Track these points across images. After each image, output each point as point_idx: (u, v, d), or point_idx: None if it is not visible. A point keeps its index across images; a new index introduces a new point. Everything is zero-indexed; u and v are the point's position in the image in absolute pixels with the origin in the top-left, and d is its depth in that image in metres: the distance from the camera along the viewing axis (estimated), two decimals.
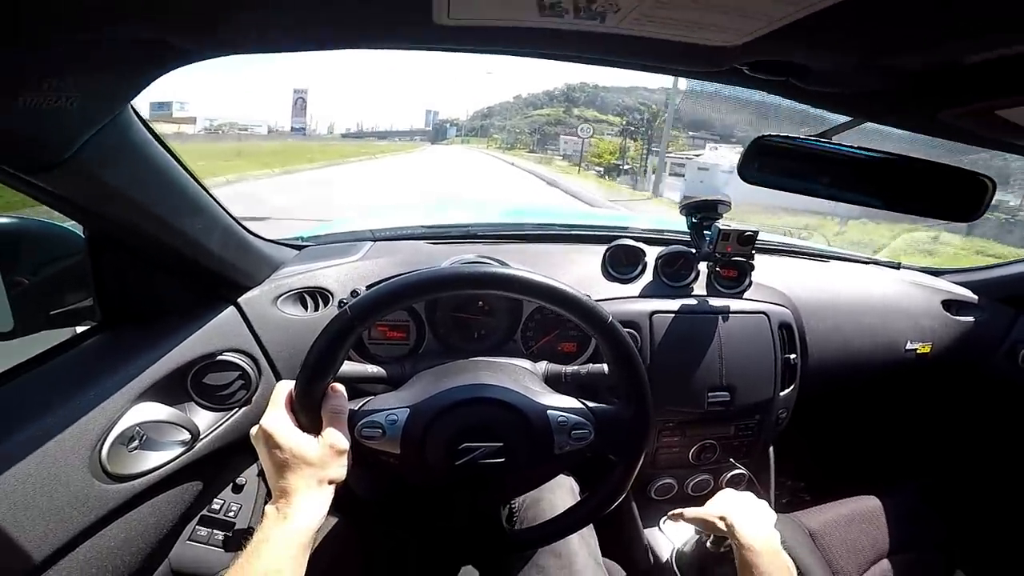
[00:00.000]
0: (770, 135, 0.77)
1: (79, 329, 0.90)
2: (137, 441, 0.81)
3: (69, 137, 0.57)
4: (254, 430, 0.68)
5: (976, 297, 1.57)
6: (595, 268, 1.28)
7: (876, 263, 1.64)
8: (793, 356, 1.28)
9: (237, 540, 1.00)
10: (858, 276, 1.54)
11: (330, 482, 0.67)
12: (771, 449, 1.38)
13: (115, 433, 0.77)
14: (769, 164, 0.79)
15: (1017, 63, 0.42)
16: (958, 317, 1.52)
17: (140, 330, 0.88)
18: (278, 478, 0.65)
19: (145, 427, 0.82)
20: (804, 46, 0.48)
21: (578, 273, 1.25)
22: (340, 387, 0.72)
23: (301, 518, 0.63)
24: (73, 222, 0.80)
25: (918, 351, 1.45)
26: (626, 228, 1.51)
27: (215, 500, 1.02)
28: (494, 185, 19.96)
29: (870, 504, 1.28)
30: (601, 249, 1.29)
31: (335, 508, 0.68)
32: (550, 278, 0.73)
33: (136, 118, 0.67)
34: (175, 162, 0.76)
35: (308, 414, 0.69)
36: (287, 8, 0.43)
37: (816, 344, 1.34)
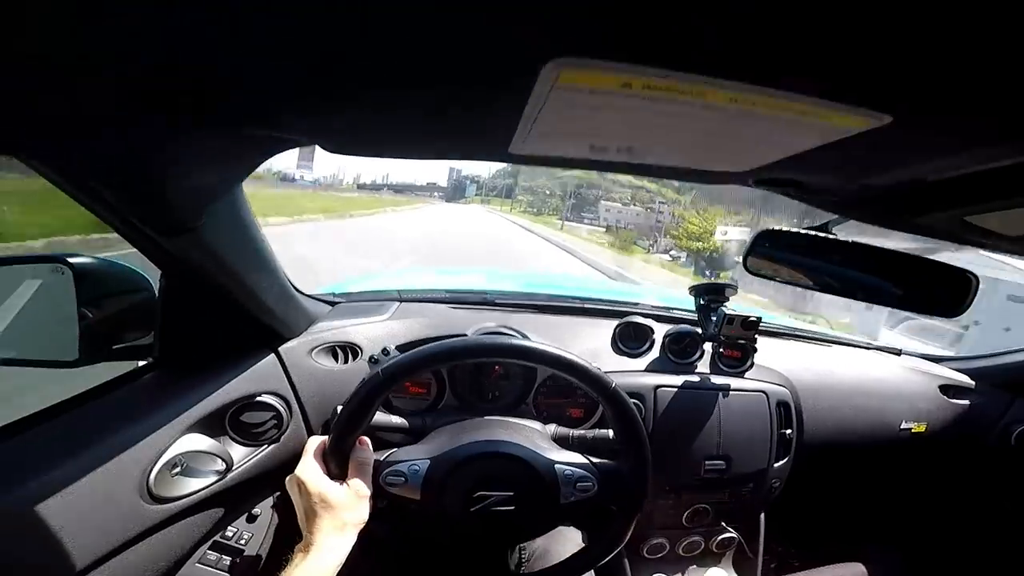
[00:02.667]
0: (773, 228, 0.85)
1: (139, 364, 0.98)
2: (179, 468, 0.88)
3: (203, 207, 0.68)
4: (289, 478, 0.78)
5: (973, 383, 1.62)
6: (605, 341, 1.35)
7: (878, 349, 1.70)
8: (789, 431, 1.32)
9: (242, 567, 1.04)
10: (858, 361, 1.59)
11: (353, 526, 0.75)
12: (762, 516, 1.41)
13: (164, 460, 0.85)
14: (772, 255, 0.87)
15: (977, 179, 0.51)
16: (954, 400, 1.57)
17: (192, 370, 0.96)
18: (307, 520, 0.74)
19: (187, 456, 0.89)
20: (800, 171, 0.58)
21: (588, 346, 1.32)
22: (367, 440, 0.82)
23: (324, 557, 0.70)
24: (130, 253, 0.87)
25: (913, 430, 1.49)
26: (636, 304, 1.57)
27: (230, 527, 1.06)
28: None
29: (855, 571, 1.30)
30: (611, 324, 1.36)
31: (363, 552, 0.75)
32: (562, 349, 0.82)
33: (241, 189, 0.77)
34: (255, 223, 0.86)
35: (338, 463, 0.78)
36: (396, 134, 0.55)
37: (812, 422, 1.38)
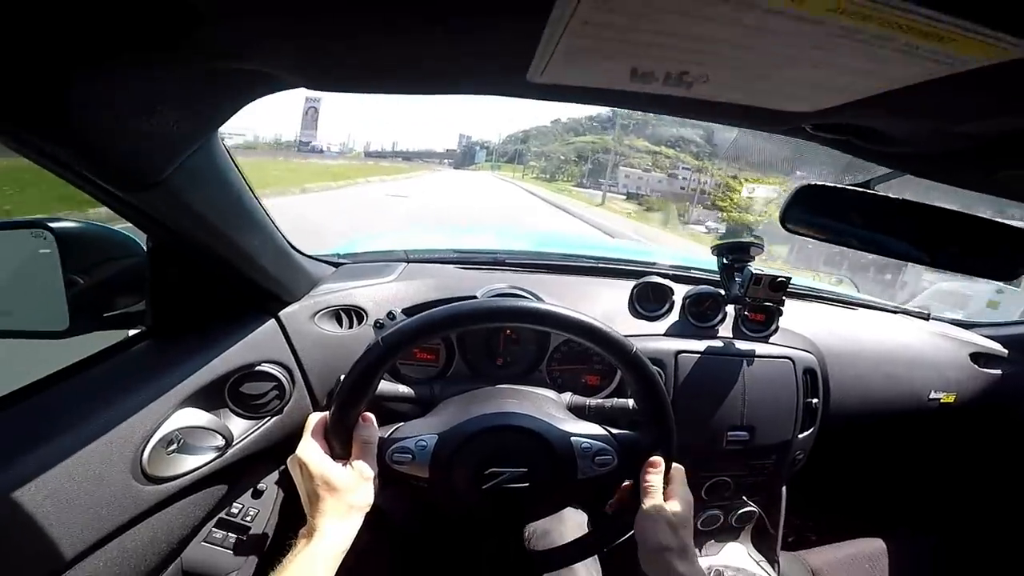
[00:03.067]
0: (814, 183, 0.79)
1: (130, 332, 0.93)
2: (175, 445, 0.84)
3: (168, 159, 0.60)
4: (290, 459, 0.72)
5: (1006, 351, 1.57)
6: (621, 303, 1.29)
7: (906, 313, 1.64)
8: (815, 400, 1.28)
9: (250, 544, 1.02)
10: (886, 325, 1.54)
11: (358, 509, 0.70)
12: (783, 488, 1.38)
13: (157, 437, 0.80)
14: (812, 212, 0.80)
15: None
16: (985, 369, 1.52)
17: (187, 338, 0.92)
18: (310, 504, 0.69)
19: (184, 432, 0.84)
20: (878, 116, 0.49)
21: (604, 307, 1.27)
22: (371, 416, 0.75)
23: (328, 542, 0.66)
24: (129, 226, 0.82)
25: (941, 400, 1.45)
26: (653, 264, 1.51)
27: (234, 504, 1.03)
28: None
29: (874, 546, 1.28)
30: (628, 284, 1.30)
31: (369, 532, 0.71)
32: (578, 312, 0.75)
33: (219, 140, 0.70)
34: (244, 181, 0.79)
35: (340, 442, 0.72)
36: (393, 57, 0.45)
37: (839, 390, 1.34)
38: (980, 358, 1.53)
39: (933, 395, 1.44)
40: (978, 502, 1.68)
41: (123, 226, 0.86)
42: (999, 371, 1.53)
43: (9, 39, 0.36)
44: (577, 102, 0.53)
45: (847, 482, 1.77)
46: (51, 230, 0.76)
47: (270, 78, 0.49)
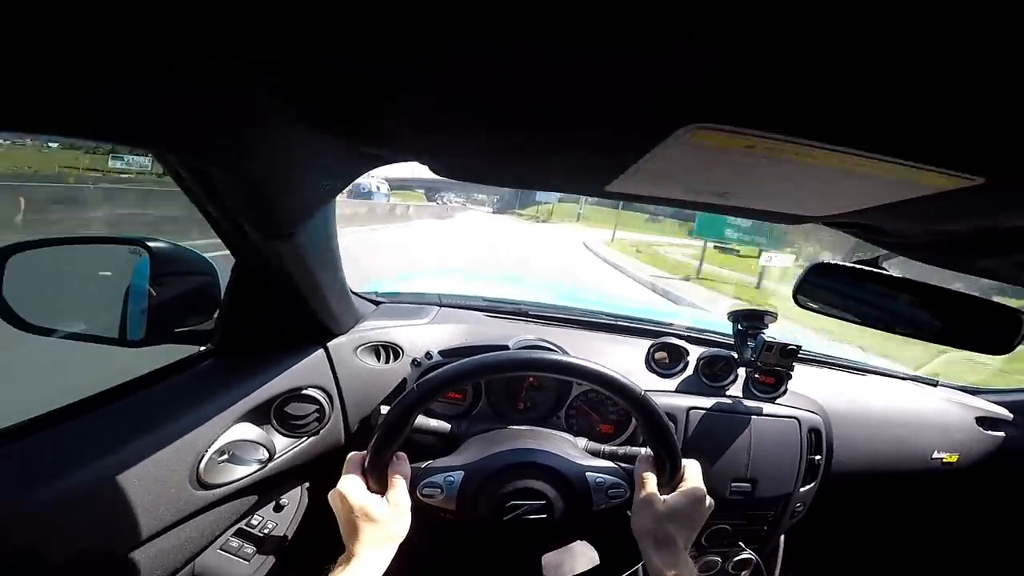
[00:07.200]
0: (824, 262, 0.86)
1: (200, 349, 1.02)
2: (226, 455, 0.91)
3: (307, 214, 0.72)
4: (331, 493, 0.79)
5: (1011, 415, 1.61)
6: (638, 361, 1.35)
7: (915, 379, 1.68)
8: (818, 457, 1.32)
9: (264, 555, 1.05)
10: (893, 390, 1.58)
11: (394, 539, 0.77)
12: (782, 538, 1.41)
13: (215, 447, 0.88)
14: (823, 289, 0.87)
15: None
16: (990, 432, 1.56)
17: (248, 359, 1.01)
18: (349, 535, 0.75)
19: (234, 444, 0.92)
20: (876, 216, 0.61)
21: (622, 364, 1.33)
22: (404, 455, 0.83)
23: (365, 569, 0.72)
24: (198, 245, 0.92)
25: (944, 460, 1.48)
26: (670, 324, 1.58)
27: (256, 515, 1.08)
28: None
29: None
30: (645, 343, 1.37)
31: (399, 560, 0.77)
32: (593, 363, 0.83)
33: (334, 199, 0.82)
34: (336, 228, 0.90)
35: (377, 477, 0.79)
36: (509, 161, 0.58)
37: (842, 449, 1.38)
38: (985, 421, 1.57)
39: (936, 455, 1.47)
40: (976, 562, 1.69)
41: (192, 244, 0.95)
42: (1003, 433, 1.57)
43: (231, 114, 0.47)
44: (639, 203, 0.67)
45: (850, 536, 1.78)
46: (148, 248, 0.85)
47: (399, 158, 0.61)
